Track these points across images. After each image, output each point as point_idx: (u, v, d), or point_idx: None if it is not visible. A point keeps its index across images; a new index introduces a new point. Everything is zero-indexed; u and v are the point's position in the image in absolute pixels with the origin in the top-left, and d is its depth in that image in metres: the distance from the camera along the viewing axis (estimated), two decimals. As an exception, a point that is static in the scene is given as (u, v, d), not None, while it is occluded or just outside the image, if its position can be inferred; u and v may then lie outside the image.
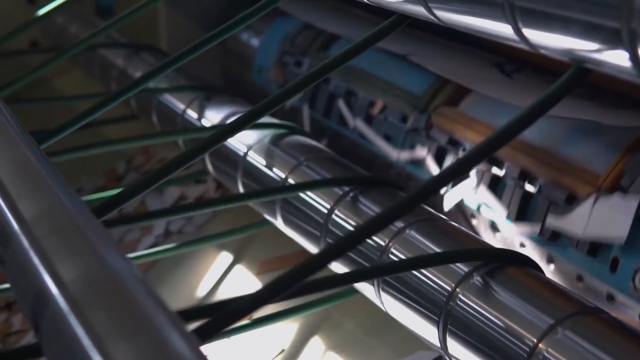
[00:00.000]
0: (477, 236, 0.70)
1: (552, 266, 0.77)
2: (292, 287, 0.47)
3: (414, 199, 0.51)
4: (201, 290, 1.00)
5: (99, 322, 0.38)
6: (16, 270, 0.47)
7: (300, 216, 0.80)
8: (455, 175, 0.50)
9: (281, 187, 0.83)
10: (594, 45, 0.45)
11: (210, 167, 0.96)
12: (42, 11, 1.04)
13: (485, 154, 0.51)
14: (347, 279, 0.62)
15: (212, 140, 0.66)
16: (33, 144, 0.61)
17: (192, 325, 0.46)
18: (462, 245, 0.68)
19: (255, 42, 1.22)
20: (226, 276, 1.00)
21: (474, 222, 0.85)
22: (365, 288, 0.72)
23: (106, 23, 0.90)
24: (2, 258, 0.51)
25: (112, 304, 0.39)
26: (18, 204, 0.51)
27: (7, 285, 0.86)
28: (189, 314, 0.50)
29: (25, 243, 0.46)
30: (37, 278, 0.43)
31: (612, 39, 0.44)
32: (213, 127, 0.95)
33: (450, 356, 0.64)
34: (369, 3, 0.66)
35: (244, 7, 1.24)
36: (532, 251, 0.79)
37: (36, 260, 0.44)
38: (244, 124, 0.65)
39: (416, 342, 0.71)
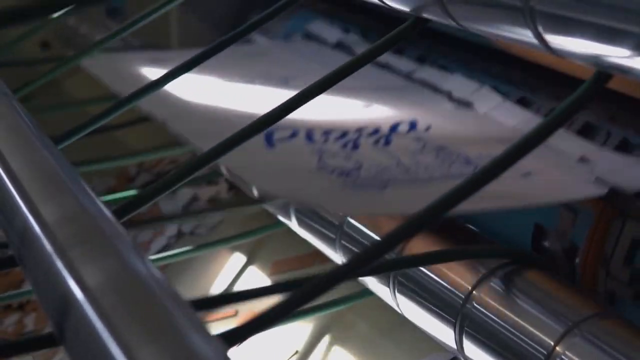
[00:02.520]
0: (493, 240, 0.70)
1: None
2: (317, 296, 0.47)
3: (437, 208, 0.51)
4: (214, 291, 1.00)
5: (125, 327, 0.38)
6: (39, 274, 0.47)
7: (315, 218, 0.80)
8: (477, 186, 0.50)
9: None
10: (617, 51, 0.46)
11: (224, 169, 0.96)
12: (55, 14, 1.04)
13: (506, 165, 0.51)
14: (363, 271, 0.63)
15: (228, 143, 0.66)
16: (52, 146, 0.62)
17: (219, 329, 0.46)
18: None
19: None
20: (239, 277, 1.01)
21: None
22: (380, 290, 0.72)
23: (119, 27, 0.90)
24: (24, 261, 0.51)
25: (138, 309, 0.39)
26: (39, 207, 0.51)
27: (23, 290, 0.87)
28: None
29: (48, 247, 0.46)
30: (61, 282, 0.43)
31: (637, 46, 0.44)
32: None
33: (466, 358, 0.64)
34: (384, 6, 0.67)
35: (256, 8, 1.26)
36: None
37: (60, 265, 0.44)
38: (263, 125, 0.65)
39: (430, 344, 0.71)
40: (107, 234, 0.47)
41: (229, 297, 0.54)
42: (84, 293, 0.41)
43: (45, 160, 0.58)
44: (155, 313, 0.39)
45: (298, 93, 0.66)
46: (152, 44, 1.28)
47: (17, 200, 0.53)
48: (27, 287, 1.11)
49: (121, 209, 0.61)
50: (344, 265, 0.49)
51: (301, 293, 0.47)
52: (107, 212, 0.50)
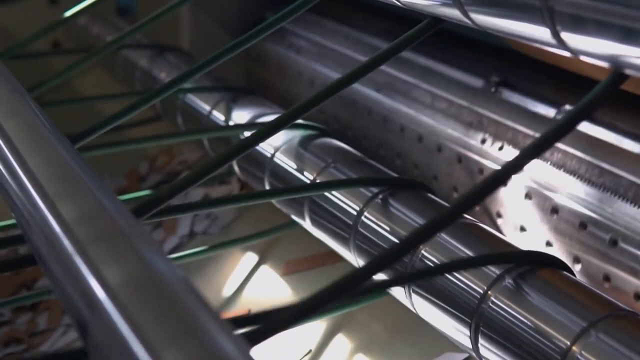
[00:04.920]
0: (506, 239, 0.70)
1: (578, 266, 0.77)
2: (337, 298, 0.47)
3: (458, 208, 0.51)
4: (227, 291, 1.00)
5: (148, 326, 0.38)
6: (59, 273, 0.47)
7: (329, 218, 0.80)
8: (496, 185, 0.50)
9: (307, 185, 0.83)
10: (635, 51, 0.46)
11: (236, 168, 0.96)
12: (68, 13, 1.04)
13: (524, 162, 0.51)
14: (382, 284, 0.63)
15: (244, 144, 0.66)
16: (69, 145, 0.62)
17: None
18: (492, 249, 0.68)
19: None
20: (252, 277, 1.01)
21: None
22: (395, 289, 0.72)
23: (132, 27, 0.91)
24: (43, 260, 0.51)
25: (160, 308, 0.39)
26: (59, 206, 0.51)
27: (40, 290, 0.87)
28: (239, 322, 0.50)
29: (69, 246, 0.46)
30: (83, 282, 0.43)
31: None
32: (239, 126, 0.95)
33: (481, 358, 0.64)
34: (402, 6, 0.67)
35: (266, 7, 1.26)
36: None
37: (81, 264, 0.44)
38: (275, 129, 0.66)
39: (443, 343, 0.71)
40: (127, 232, 0.47)
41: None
42: (107, 292, 0.41)
43: (63, 159, 0.58)
44: (178, 312, 0.39)
45: (304, 100, 0.66)
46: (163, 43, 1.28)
47: (35, 199, 0.53)
48: (38, 286, 1.11)
49: (140, 208, 0.61)
50: (363, 269, 0.49)
51: (321, 294, 0.47)
52: (127, 211, 0.50)
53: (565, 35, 0.50)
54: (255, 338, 0.45)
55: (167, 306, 0.39)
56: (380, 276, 0.72)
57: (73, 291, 0.44)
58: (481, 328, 0.64)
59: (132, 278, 0.42)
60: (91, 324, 0.42)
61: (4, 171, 0.58)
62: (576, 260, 0.77)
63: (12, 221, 0.72)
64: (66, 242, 0.47)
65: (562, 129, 0.51)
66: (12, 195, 0.56)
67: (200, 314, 0.39)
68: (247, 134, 0.92)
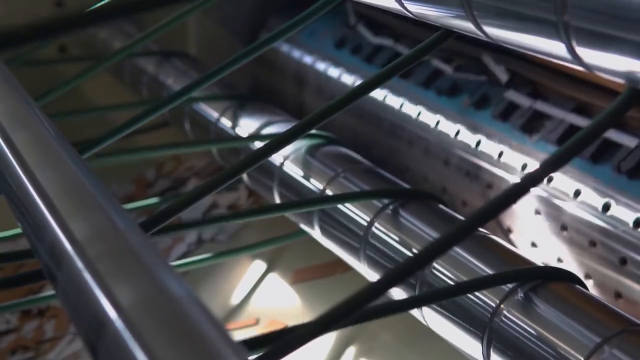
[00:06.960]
0: (520, 253, 0.69)
1: (590, 281, 0.77)
2: (350, 315, 0.47)
3: (475, 221, 0.50)
4: (235, 299, 1.00)
5: (160, 348, 0.38)
6: (71, 292, 0.47)
7: (339, 228, 0.80)
8: (514, 198, 0.50)
9: (318, 198, 0.83)
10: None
11: (245, 176, 0.96)
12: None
13: (542, 176, 0.51)
14: (399, 307, 0.63)
15: (256, 156, 0.66)
16: (78, 158, 0.61)
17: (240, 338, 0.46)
18: (506, 262, 0.67)
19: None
20: (260, 285, 1.00)
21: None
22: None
23: (141, 35, 0.90)
24: (53, 276, 0.51)
25: (172, 329, 0.39)
26: (68, 222, 0.51)
27: (47, 294, 0.87)
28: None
29: (80, 264, 0.46)
30: (93, 301, 0.43)
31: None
32: (250, 137, 0.95)
33: (494, 372, 0.64)
34: (414, 18, 0.66)
35: (273, 11, 1.26)
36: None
37: (92, 283, 0.44)
38: (288, 140, 0.65)
39: (454, 355, 0.71)
40: (137, 251, 0.46)
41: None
42: (118, 313, 0.41)
43: (72, 172, 0.57)
44: (189, 334, 0.39)
45: (317, 111, 0.66)
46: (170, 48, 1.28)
47: (45, 215, 0.53)
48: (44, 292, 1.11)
49: (149, 222, 0.60)
50: (378, 283, 0.49)
51: (335, 311, 0.47)
52: (136, 228, 0.50)
53: (581, 51, 0.49)
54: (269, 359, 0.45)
55: (179, 328, 0.39)
56: (394, 292, 0.72)
57: (83, 310, 0.44)
58: (493, 342, 0.63)
59: (144, 299, 0.41)
60: (102, 343, 0.41)
61: (12, 185, 0.57)
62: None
63: (19, 230, 0.72)
64: (76, 261, 0.47)
65: (579, 144, 0.50)
66: (20, 210, 0.56)
67: (215, 337, 0.38)
68: (258, 144, 0.92)
